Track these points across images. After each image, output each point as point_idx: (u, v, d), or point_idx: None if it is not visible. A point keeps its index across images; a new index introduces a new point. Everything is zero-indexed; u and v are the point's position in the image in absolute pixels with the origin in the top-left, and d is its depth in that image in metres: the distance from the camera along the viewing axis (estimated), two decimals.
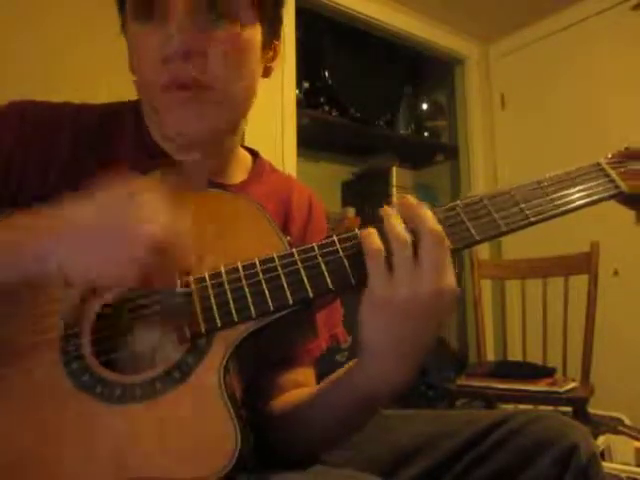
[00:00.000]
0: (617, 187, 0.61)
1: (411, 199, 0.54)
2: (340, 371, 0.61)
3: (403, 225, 0.53)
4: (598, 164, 0.63)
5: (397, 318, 0.52)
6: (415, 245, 0.52)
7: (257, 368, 0.76)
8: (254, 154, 0.81)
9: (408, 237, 0.52)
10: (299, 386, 0.72)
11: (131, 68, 0.68)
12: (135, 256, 0.47)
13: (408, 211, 0.53)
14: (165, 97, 0.63)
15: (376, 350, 0.54)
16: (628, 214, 0.66)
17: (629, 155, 0.64)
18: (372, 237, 0.53)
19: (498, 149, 2.81)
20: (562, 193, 0.59)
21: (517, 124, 2.72)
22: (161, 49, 0.61)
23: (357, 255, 0.54)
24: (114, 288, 0.56)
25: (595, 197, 0.60)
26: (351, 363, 0.59)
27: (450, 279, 0.52)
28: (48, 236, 0.50)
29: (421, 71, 2.98)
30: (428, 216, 0.52)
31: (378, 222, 0.54)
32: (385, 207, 0.55)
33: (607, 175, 0.62)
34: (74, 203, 0.51)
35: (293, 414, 0.65)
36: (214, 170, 0.73)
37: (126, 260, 0.47)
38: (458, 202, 0.58)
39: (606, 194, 0.61)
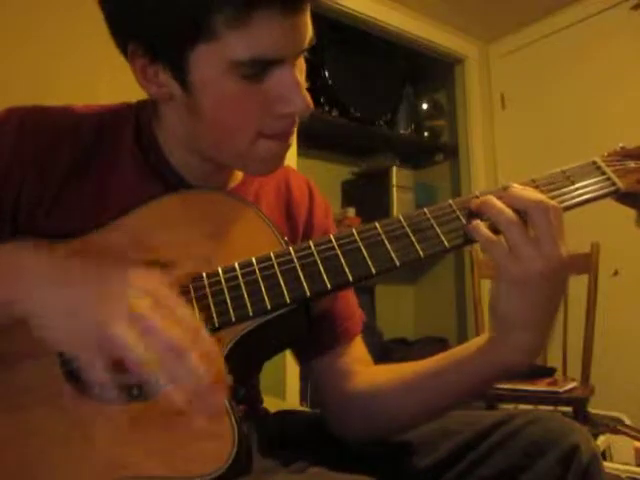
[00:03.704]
0: (614, 184, 0.61)
1: (515, 185, 0.58)
2: (470, 344, 0.63)
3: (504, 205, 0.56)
4: (594, 162, 0.63)
5: (533, 290, 0.55)
6: (524, 220, 0.55)
7: (259, 367, 0.75)
8: None
9: (514, 214, 0.55)
10: (358, 360, 0.74)
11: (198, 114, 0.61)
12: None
13: (512, 197, 0.57)
14: (268, 144, 0.63)
15: (517, 322, 0.57)
16: (628, 214, 0.66)
17: (624, 154, 0.64)
18: (480, 228, 0.57)
19: (498, 149, 2.81)
20: (559, 192, 0.60)
21: (517, 124, 2.72)
22: (287, 105, 0.61)
23: (354, 251, 0.56)
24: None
25: (592, 195, 0.60)
26: (480, 339, 0.62)
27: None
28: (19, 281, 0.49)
29: (421, 71, 2.98)
30: (529, 192, 0.56)
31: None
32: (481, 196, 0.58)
33: (603, 173, 0.62)
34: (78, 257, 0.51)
35: (409, 384, 0.67)
36: (226, 180, 0.74)
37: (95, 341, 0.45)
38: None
39: (603, 192, 0.61)
